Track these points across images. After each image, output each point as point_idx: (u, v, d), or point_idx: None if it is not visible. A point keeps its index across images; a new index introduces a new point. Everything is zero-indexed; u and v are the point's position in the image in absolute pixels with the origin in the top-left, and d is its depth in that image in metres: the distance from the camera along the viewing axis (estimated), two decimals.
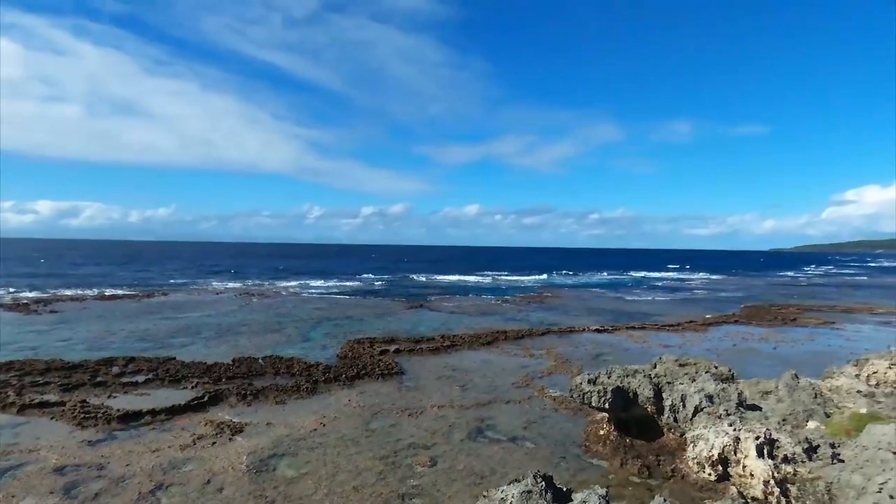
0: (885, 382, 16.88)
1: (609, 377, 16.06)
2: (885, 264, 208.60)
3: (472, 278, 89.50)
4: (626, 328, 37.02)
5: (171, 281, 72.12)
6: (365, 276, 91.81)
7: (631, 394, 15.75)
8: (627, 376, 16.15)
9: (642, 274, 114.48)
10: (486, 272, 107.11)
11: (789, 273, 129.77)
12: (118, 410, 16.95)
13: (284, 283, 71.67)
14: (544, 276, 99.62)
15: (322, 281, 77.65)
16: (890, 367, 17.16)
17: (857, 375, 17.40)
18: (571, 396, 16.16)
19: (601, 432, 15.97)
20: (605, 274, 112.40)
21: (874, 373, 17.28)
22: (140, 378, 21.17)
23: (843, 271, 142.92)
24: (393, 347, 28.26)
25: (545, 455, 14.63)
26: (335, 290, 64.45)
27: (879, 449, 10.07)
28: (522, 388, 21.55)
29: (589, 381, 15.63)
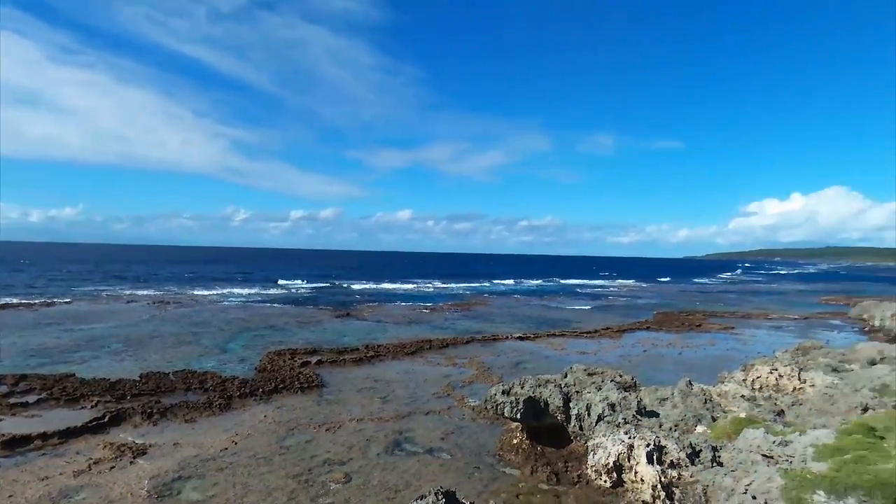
0: (766, 386, 18.64)
1: (522, 387, 16.66)
2: (781, 271, 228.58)
3: (402, 286, 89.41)
4: (547, 336, 38.40)
5: (75, 288, 66.92)
6: (292, 282, 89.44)
7: (542, 403, 16.42)
8: (539, 386, 16.82)
9: (567, 281, 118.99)
10: (416, 279, 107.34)
11: (699, 280, 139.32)
12: (3, 435, 15.62)
13: (203, 291, 68.41)
14: (474, 284, 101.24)
15: (245, 288, 74.87)
16: (771, 373, 18.97)
17: (744, 380, 19.09)
18: (486, 407, 16.63)
19: (514, 441, 16.54)
20: (532, 281, 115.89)
21: (757, 377, 19.04)
22: (31, 398, 19.59)
23: (746, 278, 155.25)
24: (315, 359, 27.81)
25: (460, 466, 14.96)
26: (258, 298, 62.37)
27: (751, 451, 11.15)
28: (443, 398, 21.87)
29: (503, 392, 16.15)
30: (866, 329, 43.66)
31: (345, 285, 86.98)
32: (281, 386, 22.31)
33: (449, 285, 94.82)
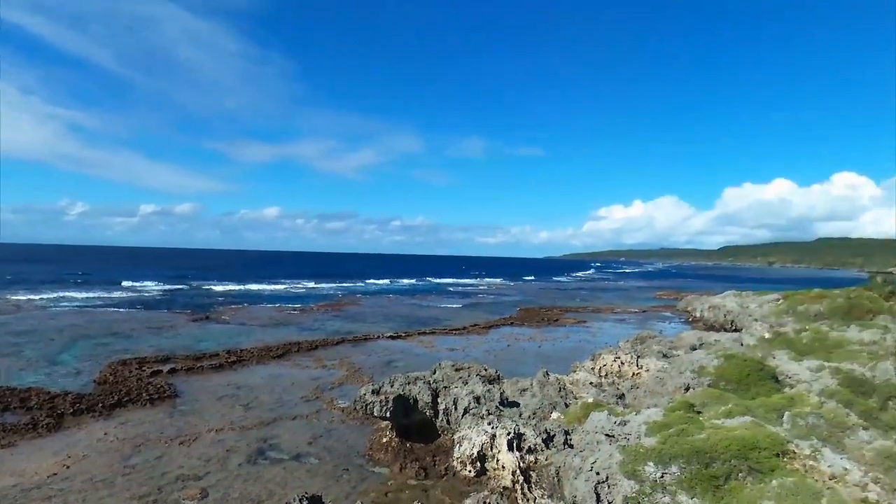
0: (610, 373, 20.72)
1: (392, 386, 16.78)
2: (626, 270, 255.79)
3: (269, 287, 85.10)
4: (418, 334, 39.06)
5: None
6: (140, 284, 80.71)
7: (412, 400, 16.67)
8: (409, 384, 17.06)
9: (439, 280, 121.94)
10: (284, 280, 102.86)
11: (558, 278, 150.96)
12: None
13: (28, 295, 59.11)
14: (346, 283, 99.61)
15: (83, 291, 66.03)
16: (614, 361, 21.13)
17: (593, 369, 21.06)
18: (356, 408, 16.49)
19: (384, 440, 16.59)
20: (405, 280, 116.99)
21: (604, 365, 21.10)
22: None
23: (597, 276, 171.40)
24: (168, 367, 25.44)
25: (328, 469, 14.67)
26: (99, 303, 55.42)
27: (596, 433, 12.35)
28: (312, 401, 21.27)
29: (373, 392, 16.13)
30: (690, 319, 50.51)
31: (204, 286, 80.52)
32: (126, 399, 20.10)
33: (320, 285, 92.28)
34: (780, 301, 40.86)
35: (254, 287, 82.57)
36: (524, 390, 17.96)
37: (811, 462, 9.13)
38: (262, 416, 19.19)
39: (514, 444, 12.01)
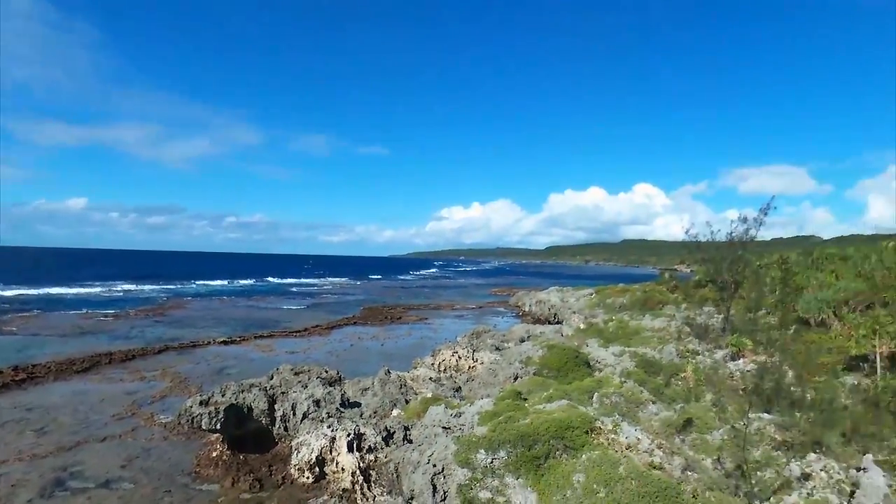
0: (449, 367, 21.67)
1: (223, 395, 15.62)
2: (465, 268, 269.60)
3: (73, 290, 73.42)
4: (255, 337, 36.85)
5: None
6: None
7: (246, 409, 15.70)
8: (243, 391, 16.04)
9: (280, 280, 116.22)
10: (95, 282, 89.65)
11: (402, 276, 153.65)
12: None
13: None
14: (172, 285, 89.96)
15: None
16: (452, 355, 22.14)
17: (433, 364, 21.83)
18: (180, 423, 15.03)
19: (214, 454, 15.37)
20: (243, 281, 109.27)
21: (443, 360, 21.99)
22: None
23: (438, 274, 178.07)
24: None
25: (147, 493, 13.17)
26: None
27: (434, 426, 12.83)
28: (126, 419, 18.89)
29: (200, 403, 14.85)
30: (520, 314, 55.01)
31: None
32: None
33: (141, 287, 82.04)
34: (593, 295, 46.44)
35: (54, 291, 70.44)
36: (366, 390, 17.96)
37: (613, 435, 10.54)
38: (62, 440, 16.53)
39: (354, 445, 11.96)
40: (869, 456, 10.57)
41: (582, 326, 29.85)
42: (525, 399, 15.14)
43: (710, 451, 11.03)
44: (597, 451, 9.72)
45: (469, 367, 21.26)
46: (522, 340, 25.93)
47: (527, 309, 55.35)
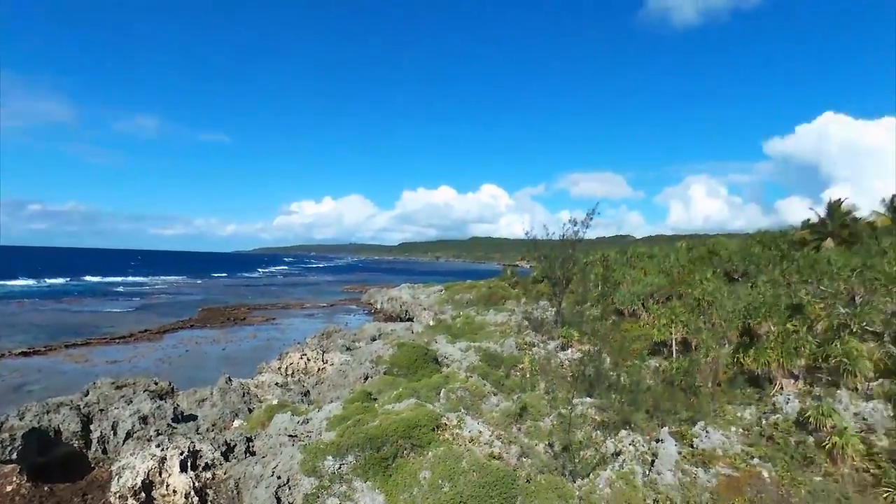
0: (297, 371, 20.93)
1: (22, 419, 13.33)
2: (316, 265, 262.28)
3: None
4: (66, 347, 31.94)
5: None
6: None
7: (53, 432, 13.57)
8: (48, 412, 13.84)
9: (100, 279, 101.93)
10: None
11: (249, 274, 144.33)
12: None
13: None
14: None
15: None
16: (301, 358, 21.42)
17: (279, 368, 20.89)
18: None
19: (9, 489, 13.05)
20: (53, 280, 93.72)
21: (290, 364, 21.16)
22: None
23: (288, 271, 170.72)
24: None
25: None
26: None
27: (279, 435, 12.32)
28: None
29: None
30: (372, 311, 55.06)
31: None
32: None
33: None
34: (443, 292, 48.19)
35: None
36: (203, 401, 16.61)
37: (457, 430, 11.08)
38: None
39: (189, 464, 10.99)
40: (665, 428, 12.48)
41: (431, 323, 30.81)
42: (375, 399, 15.21)
43: (541, 436, 12.13)
44: (442, 448, 10.13)
45: (318, 370, 20.75)
46: (374, 339, 25.99)
47: (379, 306, 55.58)
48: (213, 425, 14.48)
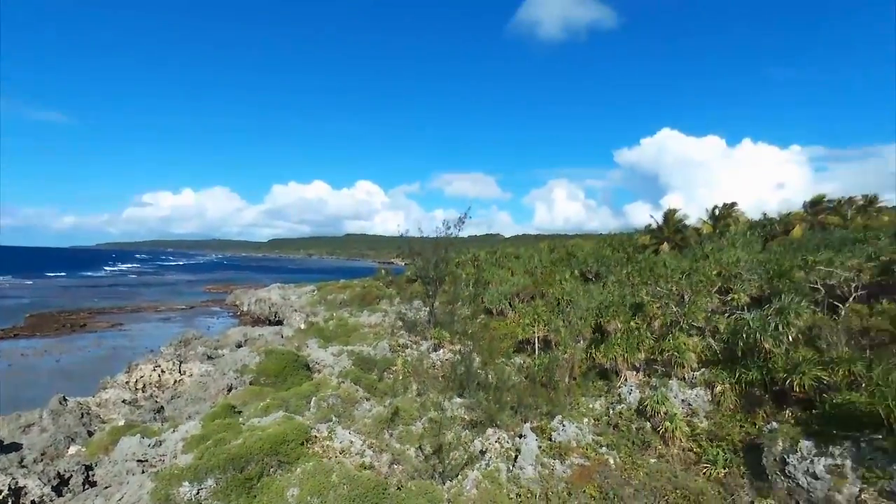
0: (149, 385, 19.05)
1: None
2: (175, 262, 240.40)
3: None
4: None
5: None
6: None
7: None
8: None
9: None
10: None
11: (91, 273, 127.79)
12: None
13: None
14: None
15: None
16: (154, 370, 19.54)
17: (127, 383, 18.86)
18: None
19: None
20: None
21: (141, 377, 19.21)
22: None
23: (140, 269, 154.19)
24: None
25: None
26: None
27: (126, 461, 11.12)
28: None
29: None
30: (238, 313, 51.82)
31: None
32: None
33: None
34: (315, 292, 46.83)
35: None
36: (30, 426, 14.44)
37: (328, 442, 10.84)
38: None
39: (11, 502, 9.48)
40: (528, 424, 13.34)
41: (303, 326, 29.82)
42: (240, 413, 14.35)
43: (413, 440, 12.31)
44: (311, 462, 9.85)
45: (175, 382, 19.06)
46: (239, 345, 24.50)
47: (246, 308, 52.45)
48: (42, 455, 12.64)
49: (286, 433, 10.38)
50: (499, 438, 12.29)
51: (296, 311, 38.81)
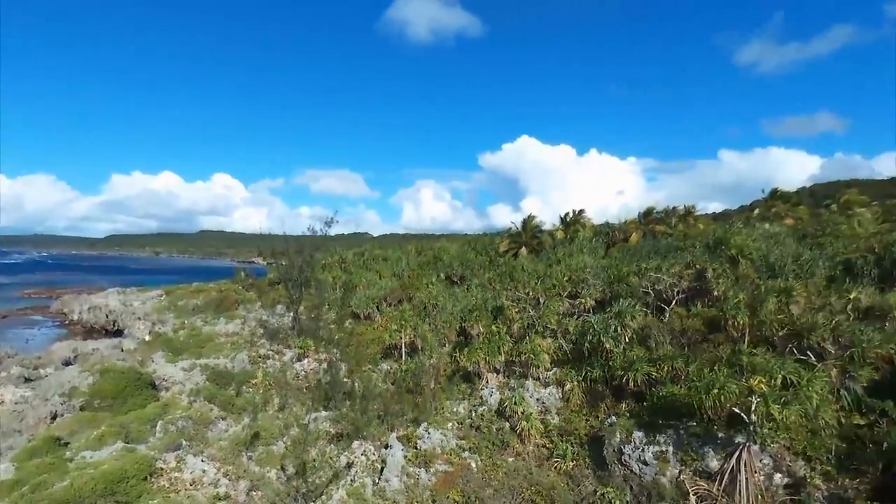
0: None
1: None
2: None
3: None
4: None
5: None
6: None
7: None
8: None
9: None
10: None
11: None
12: None
13: None
14: None
15: None
16: None
17: None
18: None
19: None
20: None
21: None
22: None
23: None
24: None
25: None
26: None
27: None
28: None
29: None
30: (67, 323, 45.23)
31: None
32: None
33: None
34: (163, 297, 42.54)
35: None
36: None
37: (177, 474, 9.91)
38: None
39: None
40: (394, 434, 13.41)
41: (148, 337, 26.97)
42: (67, 445, 12.54)
43: (274, 461, 11.72)
44: (157, 500, 8.92)
45: None
46: (67, 363, 21.43)
47: (76, 317, 45.88)
48: None
49: (125, 468, 9.29)
50: (365, 451, 12.20)
51: (139, 319, 34.86)
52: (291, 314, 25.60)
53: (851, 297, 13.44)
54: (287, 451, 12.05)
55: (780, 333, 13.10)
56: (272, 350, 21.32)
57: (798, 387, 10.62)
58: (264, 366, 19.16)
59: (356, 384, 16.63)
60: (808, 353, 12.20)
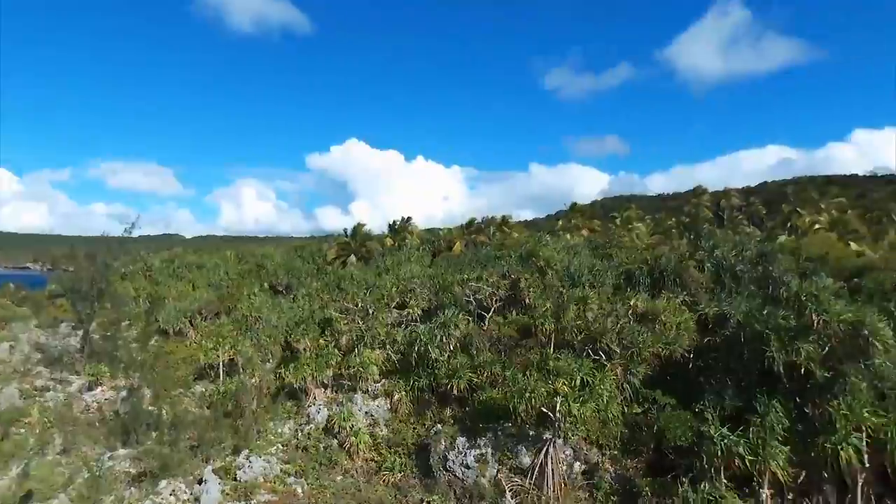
0: None
1: None
2: None
3: None
4: None
5: None
6: None
7: None
8: None
9: None
10: None
11: None
12: None
13: None
14: None
15: None
16: None
17: None
18: None
19: None
20: None
21: None
22: None
23: None
24: None
25: None
26: None
27: None
28: None
29: None
30: None
31: None
32: None
33: None
34: None
35: None
36: None
37: None
38: None
39: None
40: (209, 466, 12.23)
41: None
42: None
43: None
44: None
45: None
46: None
47: None
48: None
49: None
50: (174, 490, 10.97)
51: None
52: (80, 334, 21.90)
53: (631, 303, 15.84)
54: (73, 503, 10.29)
55: (579, 338, 14.93)
56: (53, 379, 17.94)
57: (592, 386, 12.21)
58: (42, 400, 16.02)
59: (164, 412, 14.81)
60: (601, 353, 14.12)
